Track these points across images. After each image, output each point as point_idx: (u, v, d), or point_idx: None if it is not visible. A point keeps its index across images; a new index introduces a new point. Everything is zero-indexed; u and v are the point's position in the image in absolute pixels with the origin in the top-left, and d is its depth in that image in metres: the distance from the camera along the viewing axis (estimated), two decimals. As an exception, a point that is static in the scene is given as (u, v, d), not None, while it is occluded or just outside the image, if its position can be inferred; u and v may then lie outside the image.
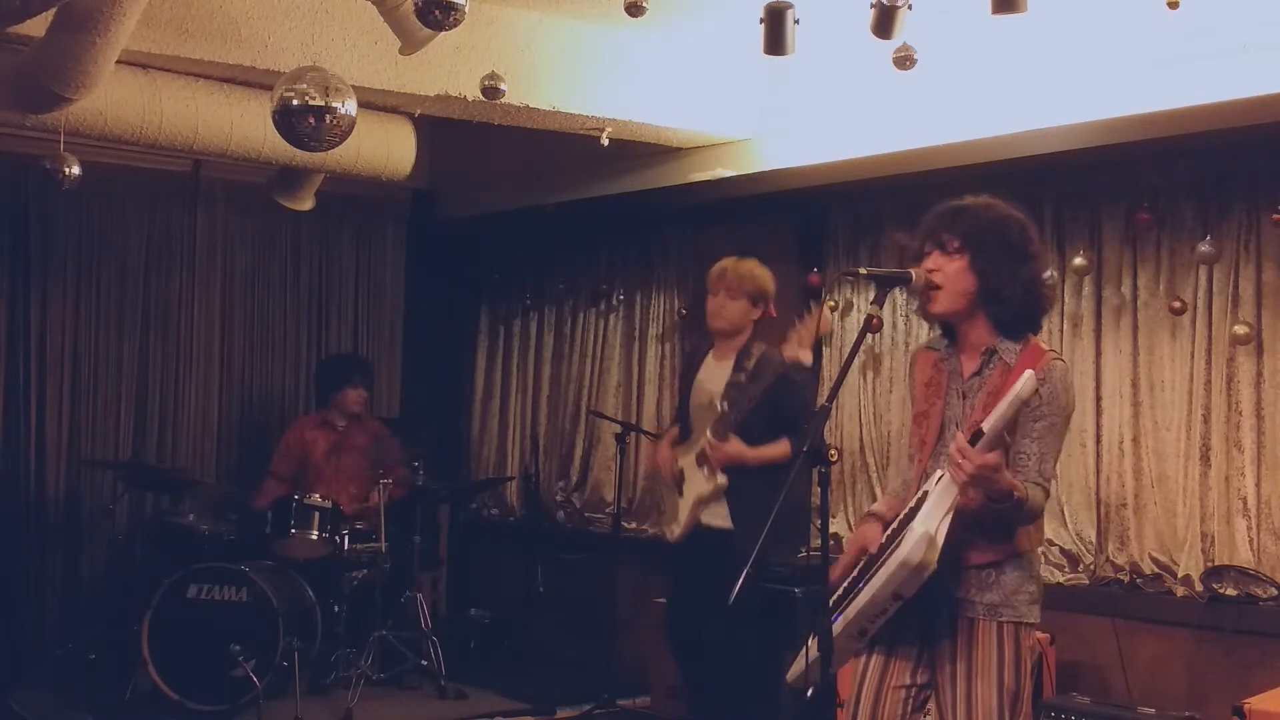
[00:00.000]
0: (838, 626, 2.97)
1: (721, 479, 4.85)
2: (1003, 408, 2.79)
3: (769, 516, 3.07)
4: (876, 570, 2.91)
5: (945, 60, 4.97)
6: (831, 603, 3.09)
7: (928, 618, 3.00)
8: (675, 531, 5.02)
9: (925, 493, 2.92)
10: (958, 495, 2.85)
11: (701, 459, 4.90)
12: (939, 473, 2.90)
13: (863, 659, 3.08)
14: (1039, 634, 4.38)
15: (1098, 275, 5.28)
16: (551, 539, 7.31)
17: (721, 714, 4.96)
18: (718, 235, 6.43)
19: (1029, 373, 2.81)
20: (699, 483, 4.92)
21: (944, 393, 3.10)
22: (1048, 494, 2.99)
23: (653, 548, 6.72)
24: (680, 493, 5.01)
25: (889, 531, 3.02)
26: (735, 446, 4.82)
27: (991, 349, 3.04)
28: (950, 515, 2.85)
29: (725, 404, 4.87)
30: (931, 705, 3.09)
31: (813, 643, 2.91)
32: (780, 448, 4.84)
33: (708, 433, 4.88)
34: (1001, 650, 2.98)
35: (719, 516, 4.89)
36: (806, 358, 4.65)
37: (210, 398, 7.23)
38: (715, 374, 5.02)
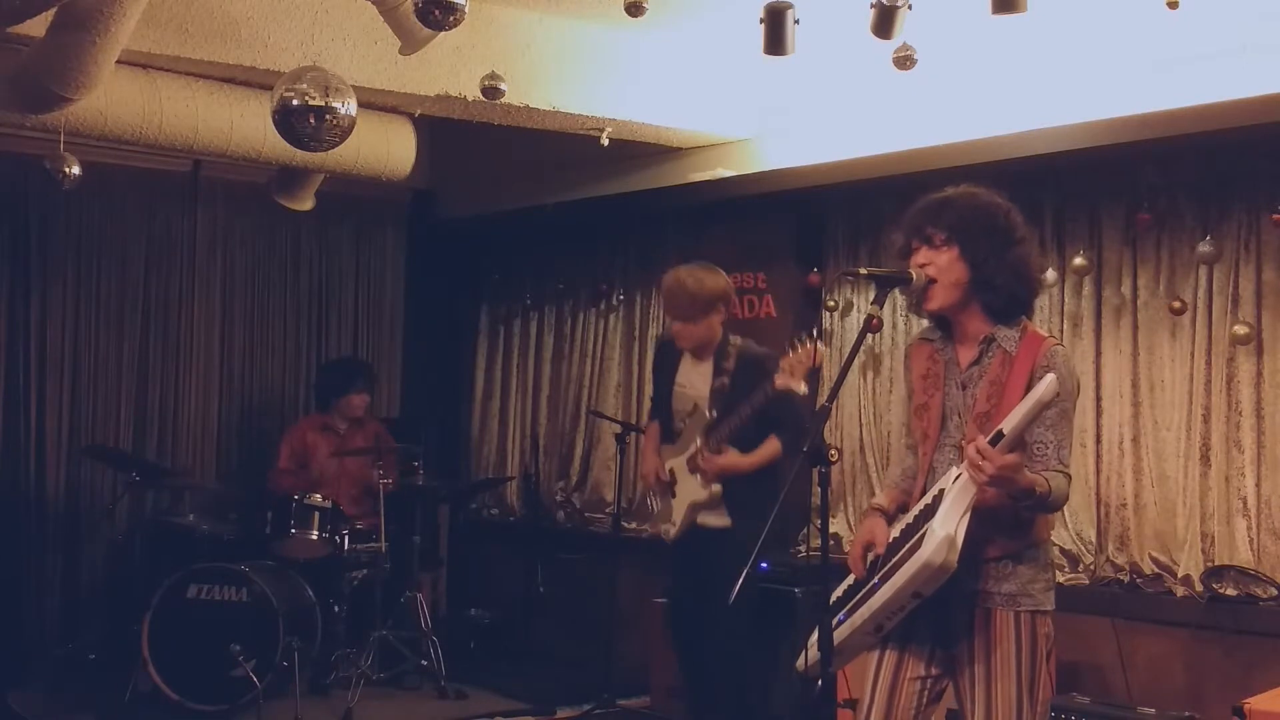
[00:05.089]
0: (852, 623, 3.00)
1: (716, 488, 4.87)
2: (1024, 409, 2.80)
3: (765, 512, 3.08)
4: (896, 570, 2.92)
5: (945, 60, 4.97)
6: (839, 598, 3.11)
7: (943, 611, 3.01)
8: (671, 533, 5.04)
9: (941, 491, 2.92)
10: (975, 494, 2.86)
11: (694, 466, 4.91)
12: (955, 472, 2.90)
13: (876, 654, 3.10)
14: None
15: (1098, 275, 5.28)
16: (551, 539, 7.31)
17: (722, 711, 4.97)
18: (718, 235, 6.44)
19: (1050, 377, 2.82)
20: (693, 488, 4.93)
21: (942, 384, 3.10)
22: (1070, 479, 3.00)
23: (652, 548, 6.69)
24: (674, 494, 5.02)
25: (903, 526, 3.04)
26: (731, 458, 4.83)
27: (990, 337, 3.05)
28: (968, 515, 2.86)
29: (713, 412, 4.87)
30: (948, 695, 3.11)
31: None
32: (771, 448, 4.85)
33: (697, 442, 4.89)
34: (1019, 640, 3.00)
35: (716, 517, 4.91)
36: (800, 388, 4.59)
37: (210, 398, 7.23)
38: (696, 378, 5.00)
